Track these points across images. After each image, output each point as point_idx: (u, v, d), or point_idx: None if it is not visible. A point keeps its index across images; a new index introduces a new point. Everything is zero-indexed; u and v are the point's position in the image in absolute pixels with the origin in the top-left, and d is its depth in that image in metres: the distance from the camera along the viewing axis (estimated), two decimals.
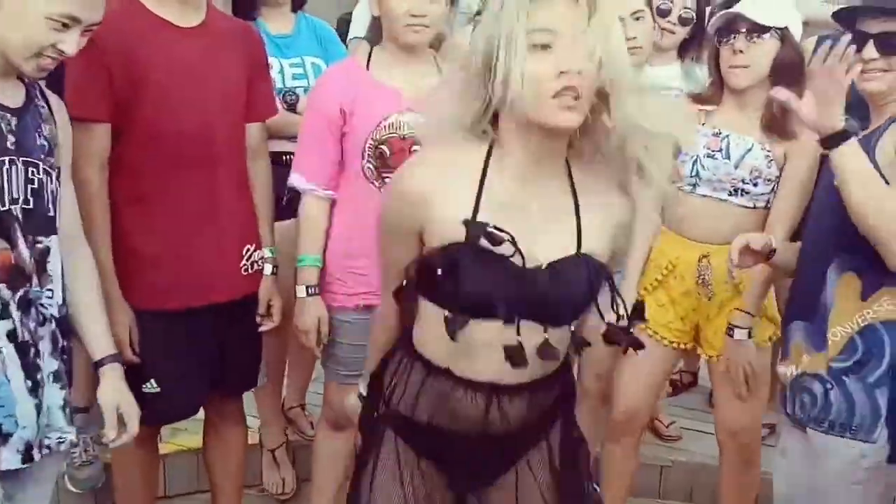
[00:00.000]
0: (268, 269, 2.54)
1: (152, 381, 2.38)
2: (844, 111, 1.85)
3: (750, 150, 2.51)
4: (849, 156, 1.82)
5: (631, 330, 1.60)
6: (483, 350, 1.59)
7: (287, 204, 2.66)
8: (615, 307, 1.59)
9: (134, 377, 2.31)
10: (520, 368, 1.57)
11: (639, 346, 1.61)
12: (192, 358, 2.43)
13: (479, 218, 1.53)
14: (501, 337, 1.56)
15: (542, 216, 1.56)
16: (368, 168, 2.44)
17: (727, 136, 2.54)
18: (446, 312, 1.55)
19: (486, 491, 1.75)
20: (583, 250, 1.57)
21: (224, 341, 2.47)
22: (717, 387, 2.70)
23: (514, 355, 1.55)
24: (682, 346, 2.71)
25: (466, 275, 1.52)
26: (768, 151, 2.52)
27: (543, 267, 1.54)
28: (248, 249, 2.48)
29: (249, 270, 2.49)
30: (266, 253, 2.54)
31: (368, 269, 2.46)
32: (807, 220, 2.01)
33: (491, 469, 1.74)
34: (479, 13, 3.47)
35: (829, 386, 1.91)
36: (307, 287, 2.51)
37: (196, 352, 2.43)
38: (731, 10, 2.50)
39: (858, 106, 2.11)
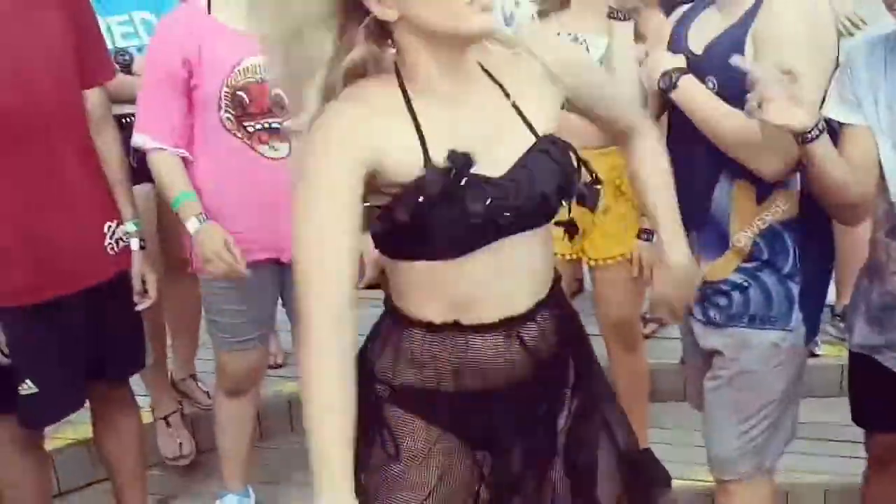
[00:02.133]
0: (134, 244, 2.37)
1: (28, 381, 2.21)
2: None
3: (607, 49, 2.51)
4: (688, 92, 1.90)
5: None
6: (493, 282, 1.43)
7: (136, 169, 2.49)
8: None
9: (8, 380, 2.17)
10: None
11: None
12: (68, 350, 2.26)
13: (432, 150, 1.35)
14: (508, 254, 1.42)
15: (486, 123, 1.43)
16: (227, 118, 2.29)
17: (584, 38, 2.52)
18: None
19: (507, 451, 1.52)
20: (539, 132, 1.45)
21: (101, 327, 2.30)
22: (602, 286, 2.74)
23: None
24: (572, 256, 2.70)
25: (446, 211, 1.34)
26: None
27: (512, 168, 1.41)
28: (109, 227, 2.30)
29: (115, 249, 2.31)
30: (130, 227, 2.37)
31: (240, 226, 2.36)
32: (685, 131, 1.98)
33: (512, 425, 1.51)
34: None
35: (746, 284, 1.96)
36: (197, 217, 2.33)
37: (72, 343, 2.26)
38: None
39: None
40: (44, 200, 2.15)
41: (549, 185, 1.43)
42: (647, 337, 3.40)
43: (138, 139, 2.34)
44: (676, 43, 2.02)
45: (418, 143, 1.36)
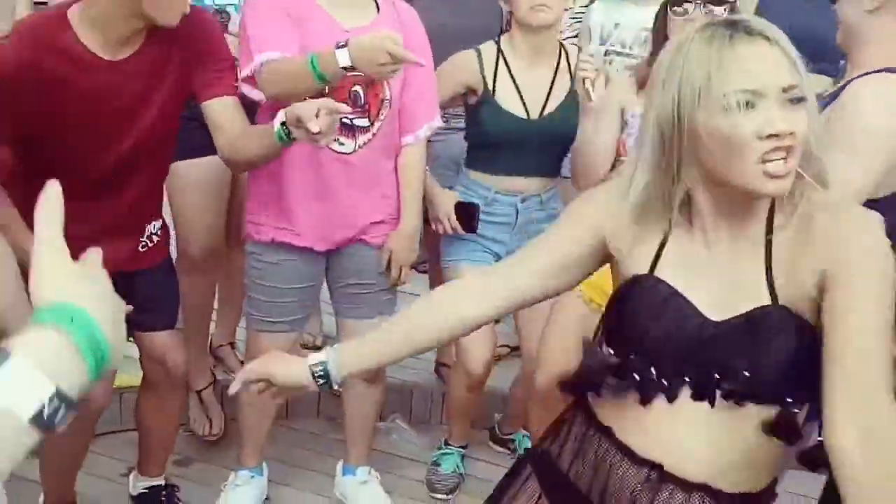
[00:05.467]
0: None
1: None
2: None
3: None
4: None
5: None
6: (654, 416, 1.37)
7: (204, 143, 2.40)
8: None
9: None
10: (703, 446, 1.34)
11: None
12: None
13: (660, 267, 1.38)
14: (679, 405, 1.35)
15: (730, 269, 1.35)
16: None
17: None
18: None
19: None
20: (781, 303, 1.31)
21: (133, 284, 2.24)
22: None
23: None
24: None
25: (636, 316, 1.38)
26: None
27: (729, 318, 1.33)
28: (147, 228, 2.31)
29: (149, 245, 2.32)
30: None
31: (296, 212, 2.37)
32: None
33: None
34: None
35: None
36: (340, 46, 2.08)
37: None
38: None
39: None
40: (106, 223, 2.13)
41: (758, 360, 1.31)
42: None
43: (259, 58, 2.18)
44: None
45: (651, 260, 1.39)
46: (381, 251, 2.50)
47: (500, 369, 3.19)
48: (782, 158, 1.25)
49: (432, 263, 3.22)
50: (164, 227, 2.40)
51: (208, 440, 3.07)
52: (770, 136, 1.24)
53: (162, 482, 2.68)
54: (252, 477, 2.73)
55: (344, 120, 2.26)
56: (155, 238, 2.34)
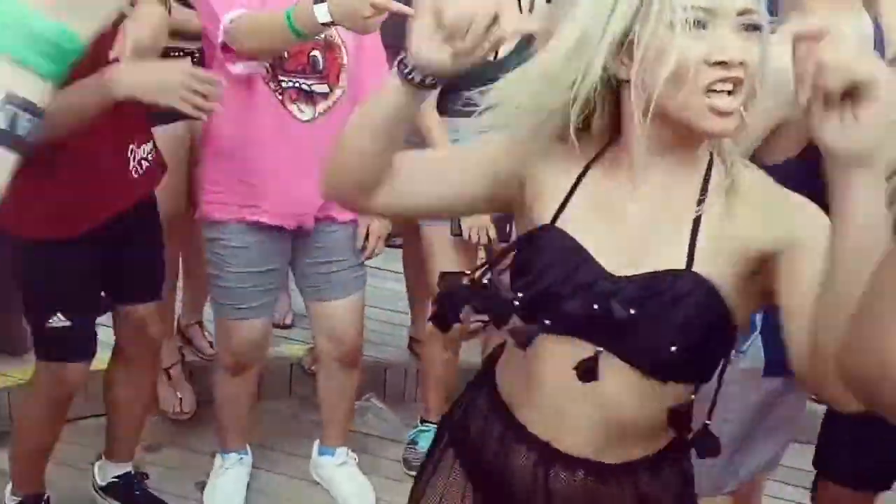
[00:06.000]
0: None
1: (59, 314, 2.16)
2: None
3: None
4: None
5: None
6: (545, 391, 1.28)
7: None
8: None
9: (37, 313, 2.17)
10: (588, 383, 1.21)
11: None
12: (96, 280, 2.22)
13: (567, 214, 1.24)
14: (571, 361, 1.22)
15: (650, 225, 1.22)
16: (264, 66, 2.19)
17: None
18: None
19: None
20: (696, 265, 1.19)
21: (121, 257, 2.24)
22: None
23: (585, 369, 1.21)
24: None
25: (534, 263, 1.25)
26: None
27: (634, 274, 1.20)
28: (132, 149, 2.20)
29: (140, 171, 2.21)
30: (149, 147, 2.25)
31: (262, 182, 2.28)
32: None
33: None
34: None
35: None
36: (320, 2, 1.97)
37: (95, 273, 2.20)
38: None
39: None
40: (95, 154, 2.10)
41: (665, 333, 1.18)
42: None
43: (227, 17, 2.08)
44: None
45: (558, 207, 1.25)
46: (352, 226, 2.44)
47: (476, 345, 3.15)
48: (727, 91, 1.10)
49: (406, 237, 3.15)
50: (156, 149, 2.29)
51: (179, 420, 2.99)
52: (718, 64, 1.09)
53: (131, 469, 2.59)
54: (240, 459, 2.67)
55: (303, 86, 2.20)
56: (145, 164, 2.24)
